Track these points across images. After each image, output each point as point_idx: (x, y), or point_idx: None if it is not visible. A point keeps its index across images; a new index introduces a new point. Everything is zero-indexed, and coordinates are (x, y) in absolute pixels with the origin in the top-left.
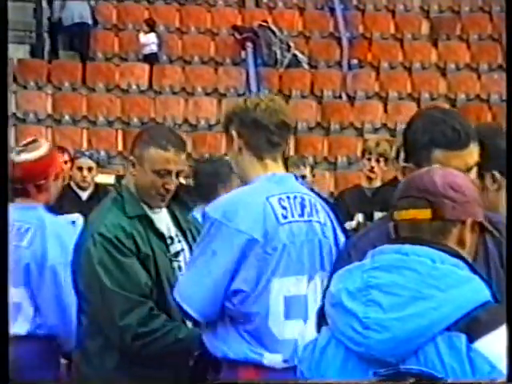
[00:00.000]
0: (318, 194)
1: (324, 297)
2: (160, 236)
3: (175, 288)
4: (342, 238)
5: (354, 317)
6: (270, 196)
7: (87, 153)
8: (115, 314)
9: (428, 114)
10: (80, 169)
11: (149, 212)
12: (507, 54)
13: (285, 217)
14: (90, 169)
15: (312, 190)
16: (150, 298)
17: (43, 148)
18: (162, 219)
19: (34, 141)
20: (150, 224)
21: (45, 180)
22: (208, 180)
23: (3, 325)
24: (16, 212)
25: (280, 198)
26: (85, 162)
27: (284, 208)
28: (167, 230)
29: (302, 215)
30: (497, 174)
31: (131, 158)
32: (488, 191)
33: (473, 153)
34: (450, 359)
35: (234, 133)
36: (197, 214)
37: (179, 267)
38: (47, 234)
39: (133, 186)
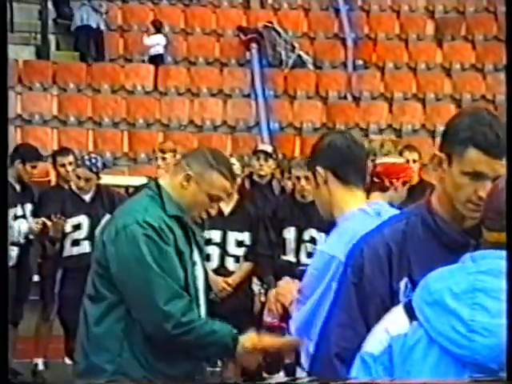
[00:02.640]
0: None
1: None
2: (189, 242)
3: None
4: None
5: (458, 318)
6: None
7: (88, 162)
8: (160, 299)
9: (477, 113)
10: (78, 177)
11: (184, 216)
12: (507, 53)
13: None
14: (87, 180)
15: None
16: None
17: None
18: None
19: None
20: (184, 227)
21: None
22: None
23: (3, 325)
24: None
25: None
26: (82, 172)
27: None
28: (192, 240)
29: None
30: None
31: (189, 172)
32: None
33: (504, 165)
34: None
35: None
36: None
37: (197, 276)
38: None
39: (175, 194)
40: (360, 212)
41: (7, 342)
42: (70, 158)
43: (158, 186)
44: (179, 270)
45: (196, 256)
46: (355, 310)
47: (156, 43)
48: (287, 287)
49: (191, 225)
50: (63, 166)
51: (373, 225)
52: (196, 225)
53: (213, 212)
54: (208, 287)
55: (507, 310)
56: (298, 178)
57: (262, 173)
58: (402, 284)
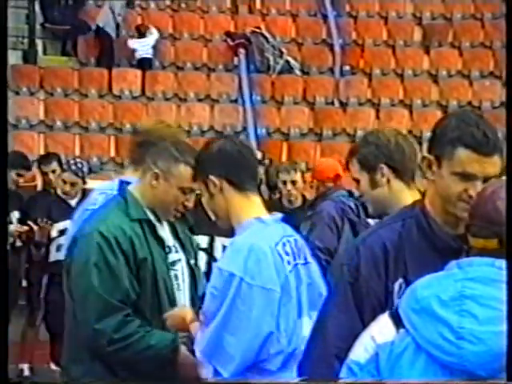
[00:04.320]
0: None
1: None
2: (160, 242)
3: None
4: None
5: (446, 325)
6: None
7: (74, 167)
8: (92, 317)
9: (463, 114)
10: (64, 182)
11: (152, 218)
12: (507, 57)
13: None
14: (72, 184)
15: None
16: (129, 304)
17: None
18: (163, 227)
19: None
20: (151, 229)
21: None
22: None
23: (3, 324)
24: None
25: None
26: (68, 177)
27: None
28: (167, 239)
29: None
30: None
31: (156, 170)
32: None
33: (495, 164)
34: None
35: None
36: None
37: (175, 276)
38: None
39: (146, 196)
40: (256, 221)
41: (7, 342)
42: (53, 166)
43: (125, 190)
44: (125, 281)
45: (179, 254)
46: (352, 309)
47: (142, 47)
48: (177, 314)
49: (174, 223)
50: (46, 173)
51: (271, 234)
52: (182, 220)
53: (190, 205)
54: (194, 283)
55: (507, 310)
56: (285, 183)
57: None
58: (397, 285)
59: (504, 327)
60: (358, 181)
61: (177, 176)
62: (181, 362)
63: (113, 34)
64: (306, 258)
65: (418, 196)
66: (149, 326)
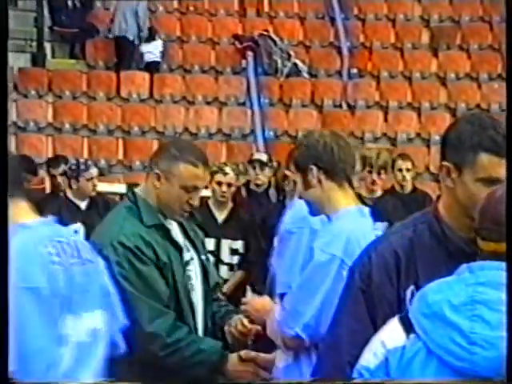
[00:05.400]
0: None
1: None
2: (175, 245)
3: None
4: None
5: (458, 331)
6: None
7: (84, 169)
8: (142, 321)
9: (477, 118)
10: (77, 187)
11: (165, 222)
12: (507, 61)
13: None
14: (84, 188)
15: None
16: (170, 307)
17: None
18: (175, 229)
19: None
20: (166, 233)
21: None
22: None
23: (3, 324)
24: None
25: None
26: (94, 172)
27: None
28: (178, 239)
29: None
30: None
31: (156, 171)
32: None
33: None
34: None
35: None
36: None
37: (189, 276)
38: None
39: (152, 198)
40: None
41: (7, 342)
42: (61, 169)
43: (134, 195)
44: (160, 285)
45: (190, 253)
46: (365, 317)
47: (151, 50)
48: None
49: (183, 222)
50: (54, 176)
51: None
52: (190, 218)
53: (195, 203)
54: (206, 282)
55: (507, 310)
56: (295, 183)
57: (259, 182)
58: (409, 292)
59: None
60: (295, 183)
61: (177, 175)
62: (230, 368)
63: (133, 39)
64: None
65: (351, 196)
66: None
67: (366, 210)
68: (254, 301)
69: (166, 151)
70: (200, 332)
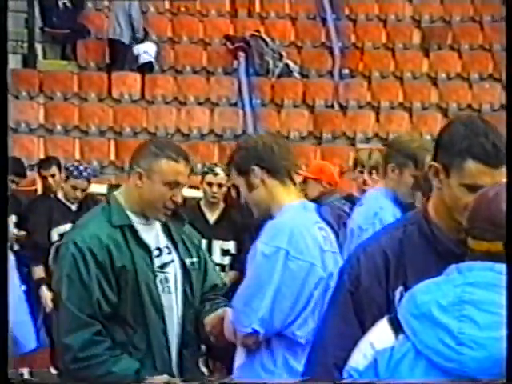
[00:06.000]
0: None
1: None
2: (144, 247)
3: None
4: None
5: (446, 331)
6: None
7: (85, 173)
8: (60, 331)
9: (471, 122)
10: (74, 188)
11: (135, 223)
12: (507, 61)
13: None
14: (82, 189)
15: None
16: (102, 317)
17: None
18: (151, 230)
19: None
20: (134, 235)
21: None
22: None
23: (3, 324)
24: None
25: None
26: (81, 183)
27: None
28: (155, 241)
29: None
30: None
31: (138, 169)
32: None
33: (503, 173)
34: None
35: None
36: None
37: (166, 279)
38: None
39: (133, 198)
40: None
41: (7, 342)
42: (53, 170)
43: (111, 195)
44: (96, 294)
45: (171, 255)
46: (352, 319)
47: (143, 51)
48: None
49: (168, 223)
50: (46, 177)
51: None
52: (177, 219)
53: (179, 200)
54: (189, 283)
55: (507, 310)
56: (237, 189)
57: None
58: (398, 293)
59: (504, 332)
60: (237, 187)
61: (158, 171)
62: None
63: (127, 41)
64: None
65: (293, 192)
66: (120, 348)
67: (311, 204)
68: (211, 318)
69: (146, 149)
70: (174, 336)
